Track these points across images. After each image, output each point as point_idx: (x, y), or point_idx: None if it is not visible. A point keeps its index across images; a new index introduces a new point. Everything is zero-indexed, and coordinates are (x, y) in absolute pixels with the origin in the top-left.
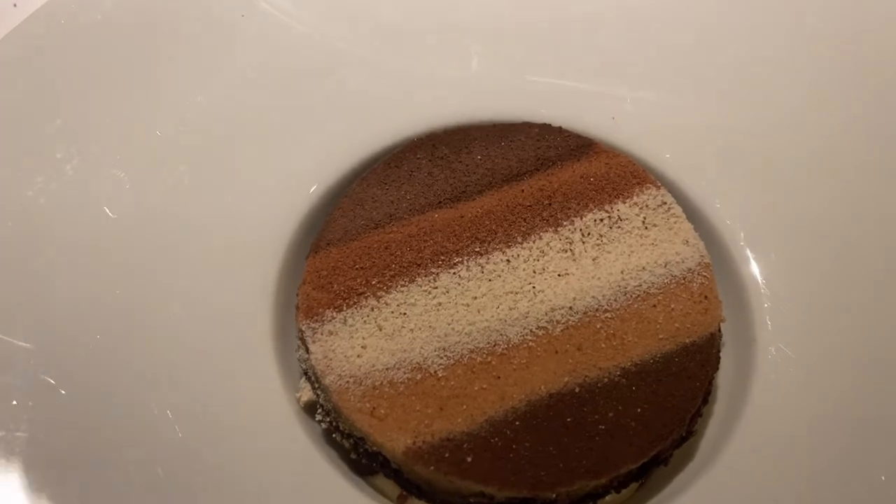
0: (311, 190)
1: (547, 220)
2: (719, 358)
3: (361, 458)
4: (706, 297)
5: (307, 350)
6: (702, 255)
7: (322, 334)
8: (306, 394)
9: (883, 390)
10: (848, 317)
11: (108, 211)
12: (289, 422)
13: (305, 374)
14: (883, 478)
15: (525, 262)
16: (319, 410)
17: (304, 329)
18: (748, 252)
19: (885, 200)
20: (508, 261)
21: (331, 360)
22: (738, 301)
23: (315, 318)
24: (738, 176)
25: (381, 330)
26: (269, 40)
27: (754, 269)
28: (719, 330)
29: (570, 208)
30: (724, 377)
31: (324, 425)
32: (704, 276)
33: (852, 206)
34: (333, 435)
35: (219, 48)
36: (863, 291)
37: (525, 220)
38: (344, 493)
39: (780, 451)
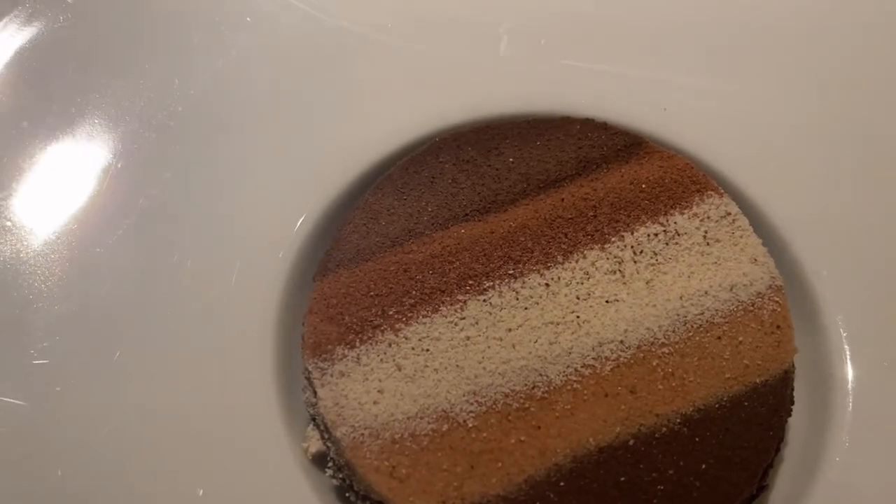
0: (319, 199)
1: (592, 236)
2: (793, 399)
3: None
4: (779, 326)
5: (315, 394)
6: (773, 277)
7: (332, 376)
8: (315, 444)
9: None
10: None
11: (85, 226)
12: (295, 477)
13: (313, 420)
14: None
15: (567, 286)
16: (330, 464)
17: (311, 369)
18: (823, 271)
19: None
20: (548, 285)
21: (343, 407)
22: (812, 328)
23: (324, 355)
24: (814, 183)
25: (400, 370)
26: (272, 24)
27: (829, 290)
28: (793, 365)
29: (618, 221)
30: (797, 416)
31: (335, 482)
32: (776, 302)
33: None
34: (347, 494)
35: (222, 37)
36: None
37: (566, 235)
38: None
39: None
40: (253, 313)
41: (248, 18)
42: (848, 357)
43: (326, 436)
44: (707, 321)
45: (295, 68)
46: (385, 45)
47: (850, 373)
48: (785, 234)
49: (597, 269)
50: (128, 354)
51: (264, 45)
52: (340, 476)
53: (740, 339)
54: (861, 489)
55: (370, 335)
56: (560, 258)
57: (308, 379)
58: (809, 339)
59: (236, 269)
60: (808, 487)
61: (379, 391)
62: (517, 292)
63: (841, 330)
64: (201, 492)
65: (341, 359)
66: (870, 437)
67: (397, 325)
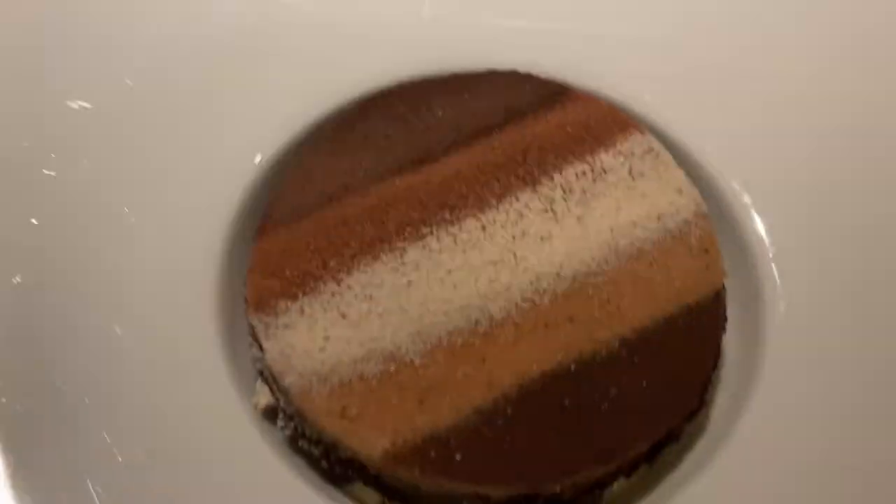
0: (255, 161)
1: (523, 179)
2: (726, 317)
3: (334, 467)
4: (707, 250)
5: (261, 348)
6: (697, 204)
7: (277, 328)
8: (264, 397)
9: None
10: (861, 262)
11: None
12: (246, 431)
13: (261, 374)
14: None
15: (502, 227)
16: (281, 415)
17: (255, 324)
18: (747, 199)
19: None
20: (484, 227)
21: (289, 357)
22: (740, 255)
23: (267, 310)
24: (732, 119)
25: (344, 318)
26: None
27: (755, 218)
28: (723, 286)
29: (547, 163)
30: (732, 339)
31: (287, 431)
32: (703, 228)
33: (863, 150)
34: (300, 442)
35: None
36: (876, 236)
37: (498, 180)
38: None
39: (803, 416)
40: (195, 277)
41: None
42: (776, 276)
43: (275, 387)
44: (638, 249)
45: (218, 39)
46: (309, 12)
47: (779, 291)
48: (707, 165)
49: (530, 209)
50: (69, 320)
51: (183, 19)
52: (292, 425)
53: (671, 264)
54: (796, 401)
55: (312, 287)
56: (494, 202)
57: (253, 335)
58: (738, 262)
59: (179, 234)
60: (746, 402)
61: (325, 339)
62: (455, 236)
63: (768, 252)
64: (156, 458)
65: (285, 311)
66: (800, 350)
67: (339, 276)
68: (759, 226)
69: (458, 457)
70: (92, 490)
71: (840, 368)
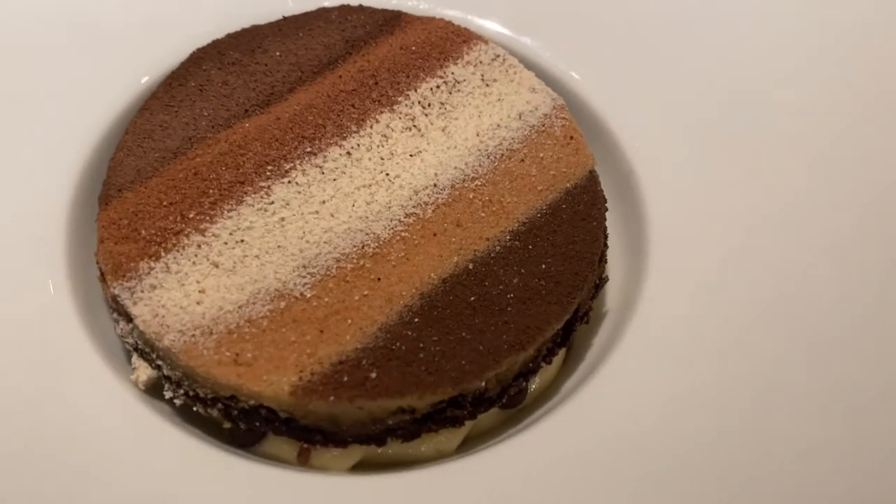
0: (89, 136)
1: (379, 101)
2: (605, 198)
3: (239, 424)
4: (572, 137)
5: (129, 318)
6: (553, 98)
7: (143, 291)
8: (143, 371)
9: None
10: (714, 128)
11: None
12: (137, 412)
13: (135, 349)
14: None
15: (368, 150)
16: (167, 385)
17: (117, 292)
18: (593, 88)
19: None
20: (349, 153)
21: (163, 317)
22: (599, 137)
23: (128, 275)
24: (568, 24)
25: (218, 267)
26: None
27: (605, 101)
28: (594, 169)
29: (399, 83)
30: (614, 224)
31: (178, 401)
32: (563, 118)
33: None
34: (195, 408)
35: None
36: (720, 111)
37: (354, 106)
38: (230, 468)
39: (698, 282)
40: (40, 261)
41: None
42: (638, 153)
43: (154, 355)
44: (507, 149)
45: (27, 24)
46: None
47: (642, 165)
48: (553, 66)
49: (392, 129)
50: None
51: None
52: (181, 392)
53: (541, 155)
54: (686, 264)
55: (174, 242)
56: (354, 127)
57: (116, 307)
58: (601, 146)
59: (16, 221)
60: (640, 274)
61: (200, 291)
62: (321, 167)
63: (627, 135)
64: (46, 464)
65: (148, 273)
66: (675, 214)
67: (202, 226)
68: (612, 113)
69: (373, 375)
70: None
71: (721, 227)
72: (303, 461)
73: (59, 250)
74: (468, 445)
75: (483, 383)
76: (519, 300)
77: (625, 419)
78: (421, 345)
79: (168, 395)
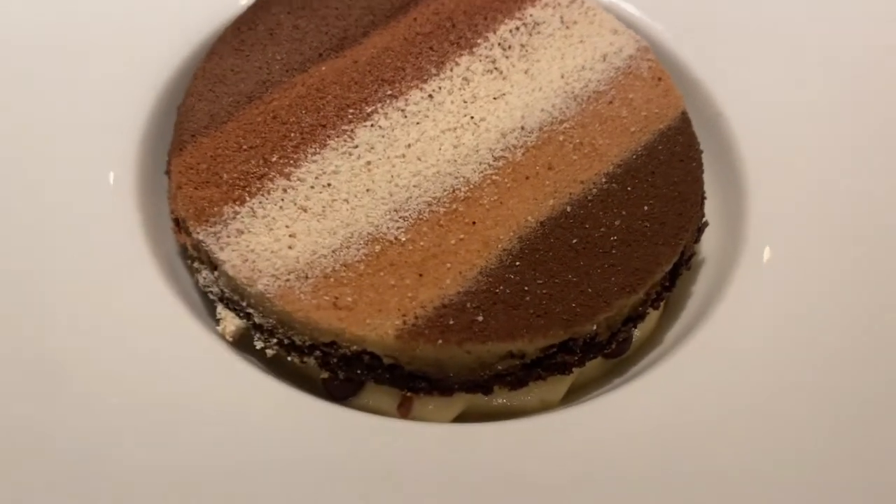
0: (155, 83)
1: (457, 44)
2: (698, 139)
3: (338, 372)
4: (660, 78)
5: (214, 267)
6: (637, 40)
7: (229, 236)
8: (231, 322)
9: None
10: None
11: None
12: (228, 364)
13: (220, 298)
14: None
15: (450, 93)
16: (257, 335)
17: (202, 238)
18: (682, 35)
19: None
20: (431, 96)
21: (254, 262)
22: (685, 81)
23: (212, 219)
24: None
25: (306, 211)
26: None
27: (691, 48)
28: (686, 110)
29: (477, 25)
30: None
31: (270, 351)
32: (649, 59)
33: None
34: (289, 358)
35: None
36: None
37: (432, 48)
38: (335, 417)
39: (804, 225)
40: (116, 215)
41: None
42: (730, 97)
43: (243, 303)
44: (594, 91)
45: None
46: None
47: (738, 108)
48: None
49: (473, 72)
50: None
51: None
52: (274, 341)
53: (630, 97)
54: (788, 208)
55: (259, 186)
56: (434, 70)
57: (199, 256)
58: (690, 89)
59: (85, 177)
60: (738, 221)
61: (291, 236)
62: (403, 110)
63: (712, 80)
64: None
65: (234, 217)
66: (772, 159)
67: (286, 170)
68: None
69: (479, 318)
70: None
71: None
72: (403, 413)
73: (131, 203)
74: (571, 397)
75: (594, 327)
76: (623, 242)
77: (734, 373)
78: (525, 288)
79: (259, 345)
